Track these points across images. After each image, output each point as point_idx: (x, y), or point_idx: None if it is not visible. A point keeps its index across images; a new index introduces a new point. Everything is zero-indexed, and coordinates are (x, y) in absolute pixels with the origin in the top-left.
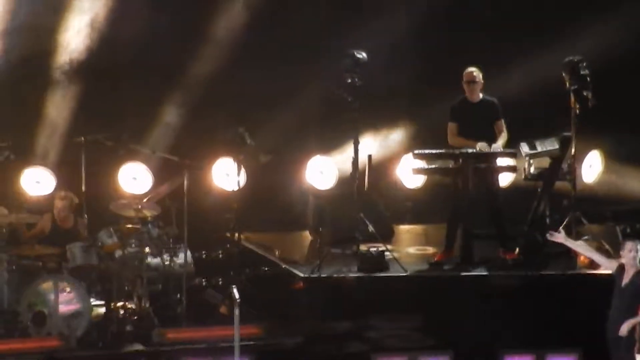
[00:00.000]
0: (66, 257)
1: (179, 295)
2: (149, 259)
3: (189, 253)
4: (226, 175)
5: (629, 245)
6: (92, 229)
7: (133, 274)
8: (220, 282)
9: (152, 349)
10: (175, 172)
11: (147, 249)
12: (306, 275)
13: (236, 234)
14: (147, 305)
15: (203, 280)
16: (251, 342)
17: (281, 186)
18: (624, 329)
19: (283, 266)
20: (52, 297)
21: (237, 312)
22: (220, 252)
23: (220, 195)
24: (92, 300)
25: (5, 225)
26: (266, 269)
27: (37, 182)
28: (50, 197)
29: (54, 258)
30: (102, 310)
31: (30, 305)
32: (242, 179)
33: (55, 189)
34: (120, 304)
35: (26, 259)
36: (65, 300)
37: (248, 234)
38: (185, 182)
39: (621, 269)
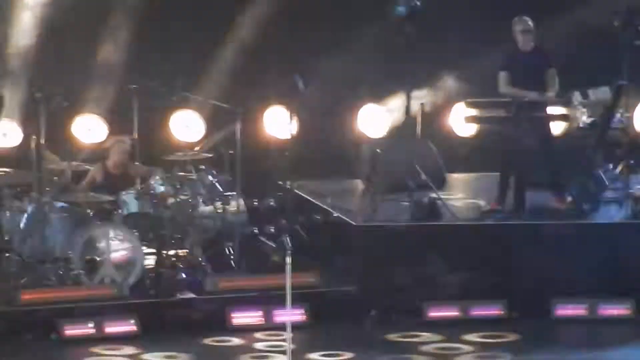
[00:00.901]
0: (119, 204)
1: (231, 244)
2: (202, 207)
3: (241, 201)
4: (279, 122)
5: None
6: (145, 177)
7: (186, 222)
8: (272, 230)
9: (204, 298)
10: (228, 119)
11: (199, 197)
12: (359, 224)
13: (289, 182)
14: (200, 253)
15: (256, 228)
16: (304, 291)
17: (334, 134)
18: None
19: (335, 214)
20: (104, 245)
21: (289, 260)
22: (273, 200)
23: (273, 143)
24: (144, 248)
25: (58, 173)
26: (319, 217)
27: (89, 129)
28: (103, 145)
29: (107, 206)
30: (155, 258)
31: (83, 253)
32: (295, 126)
33: (108, 136)
34: (172, 252)
35: (78, 207)
36: (118, 248)
37: (301, 182)
38: (238, 130)
39: None
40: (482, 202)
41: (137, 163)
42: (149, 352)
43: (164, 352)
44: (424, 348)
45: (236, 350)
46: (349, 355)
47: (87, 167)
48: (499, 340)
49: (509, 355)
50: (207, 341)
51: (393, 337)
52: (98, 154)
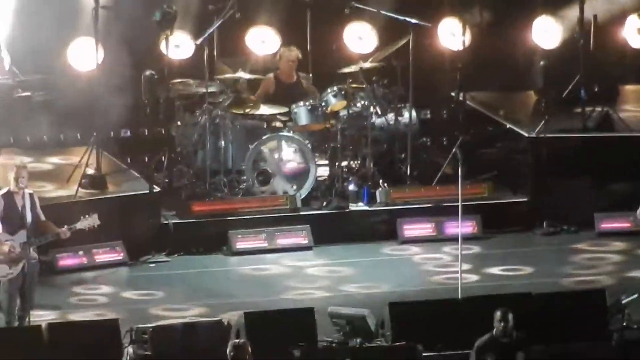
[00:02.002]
0: (291, 116)
1: (403, 155)
2: (374, 119)
3: (413, 112)
4: (452, 34)
5: None
6: (318, 88)
7: (358, 133)
8: (444, 142)
9: (376, 209)
10: (401, 31)
11: (372, 109)
12: (531, 136)
13: (461, 94)
14: (372, 164)
15: (427, 139)
16: (475, 202)
17: (506, 46)
18: None
19: (507, 126)
20: (276, 156)
21: (461, 171)
22: (445, 111)
23: (445, 55)
24: (316, 159)
25: (230, 85)
26: (490, 128)
27: (262, 41)
28: (275, 57)
29: (279, 117)
30: (327, 169)
31: (255, 164)
32: (467, 38)
33: (280, 48)
34: (344, 163)
35: (251, 119)
36: (290, 160)
37: (473, 94)
38: (411, 42)
39: None
40: None
41: (308, 77)
42: (321, 265)
43: (335, 265)
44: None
45: (407, 261)
46: (529, 269)
47: (260, 78)
48: None
49: None
50: (381, 252)
51: (568, 248)
52: (270, 65)
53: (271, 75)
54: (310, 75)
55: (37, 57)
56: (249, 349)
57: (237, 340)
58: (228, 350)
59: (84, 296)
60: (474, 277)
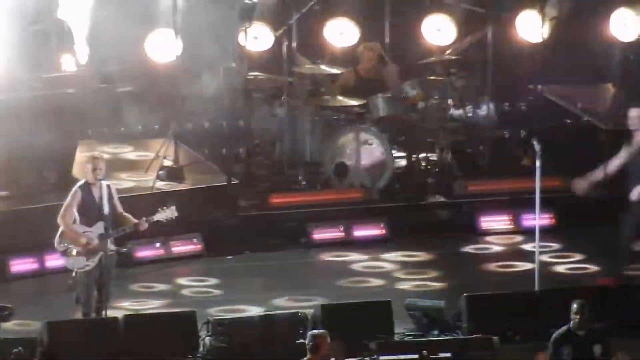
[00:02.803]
0: (369, 108)
1: (481, 147)
2: (452, 111)
3: (492, 104)
4: (530, 26)
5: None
6: (396, 80)
7: (436, 125)
8: (522, 134)
9: (454, 201)
10: (479, 23)
11: (450, 101)
12: (609, 128)
13: (539, 86)
14: (449, 156)
15: (505, 132)
16: (552, 195)
17: (584, 38)
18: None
19: (585, 118)
20: (354, 148)
21: (538, 164)
22: (523, 103)
23: (524, 47)
24: (394, 151)
25: (309, 77)
26: (568, 120)
27: (340, 33)
28: (354, 49)
29: (357, 109)
30: (405, 161)
31: (333, 157)
32: (546, 30)
33: (359, 40)
34: (422, 155)
35: (329, 110)
36: (368, 152)
37: (551, 86)
38: (489, 34)
39: None
40: None
41: (392, 65)
42: (398, 257)
43: (412, 257)
44: None
45: (484, 253)
46: (595, 268)
47: (339, 70)
48: None
49: None
50: (457, 244)
51: None
52: (349, 57)
53: (351, 68)
54: (392, 65)
55: (117, 49)
56: (328, 339)
57: (316, 331)
58: (307, 341)
59: (160, 288)
60: (549, 269)
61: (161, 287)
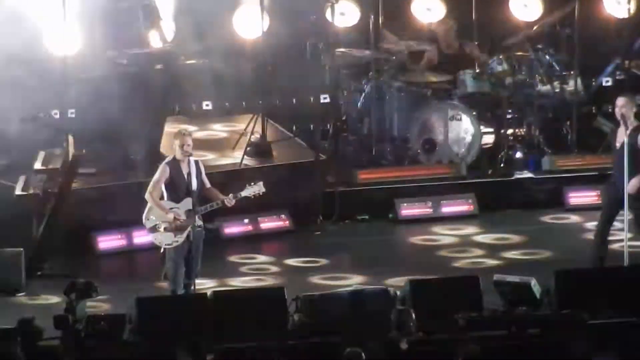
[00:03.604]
0: (457, 84)
1: (569, 123)
2: (539, 86)
3: (579, 80)
4: (617, 2)
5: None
6: (481, 57)
7: (523, 101)
8: (610, 110)
9: (542, 177)
10: None
11: (537, 76)
12: None
13: (627, 62)
14: (537, 132)
15: (594, 107)
16: None
17: None
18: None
19: None
20: (442, 124)
21: (626, 140)
22: (609, 79)
23: (611, 22)
24: (482, 127)
25: (396, 53)
26: None
27: (428, 9)
28: (431, 27)
29: (444, 85)
30: (492, 137)
31: (420, 132)
32: (633, 6)
33: (445, 16)
34: (510, 131)
35: (416, 86)
36: (456, 127)
37: (638, 61)
38: (577, 9)
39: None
40: None
41: (472, 44)
42: (486, 233)
43: (500, 233)
44: None
45: (572, 229)
46: None
47: (425, 47)
48: None
49: None
50: (545, 219)
51: None
52: (431, 34)
53: (435, 44)
54: (476, 43)
55: (203, 26)
56: (413, 315)
57: (400, 307)
58: (392, 317)
59: (249, 264)
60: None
61: (250, 264)
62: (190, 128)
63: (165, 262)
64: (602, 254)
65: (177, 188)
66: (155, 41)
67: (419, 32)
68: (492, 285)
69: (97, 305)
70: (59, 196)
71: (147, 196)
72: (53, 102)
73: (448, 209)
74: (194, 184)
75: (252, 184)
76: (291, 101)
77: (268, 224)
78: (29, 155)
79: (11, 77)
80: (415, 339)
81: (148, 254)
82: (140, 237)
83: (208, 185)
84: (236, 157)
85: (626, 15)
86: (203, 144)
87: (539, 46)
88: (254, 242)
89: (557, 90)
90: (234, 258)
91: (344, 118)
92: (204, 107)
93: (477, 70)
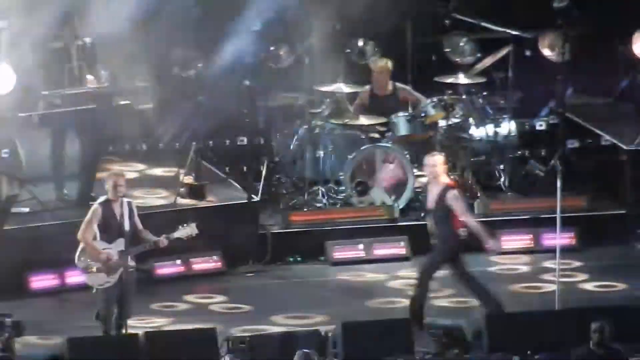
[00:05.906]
0: (390, 127)
1: (502, 166)
2: (473, 130)
3: (513, 123)
4: (551, 47)
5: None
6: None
7: (456, 144)
8: (543, 154)
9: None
10: (501, 42)
11: (470, 120)
12: (631, 148)
13: (560, 106)
14: (470, 175)
15: (526, 151)
16: (573, 214)
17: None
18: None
19: (607, 137)
20: (375, 167)
21: (560, 183)
22: (543, 123)
23: (545, 67)
24: (415, 170)
25: (328, 96)
26: (589, 140)
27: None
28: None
29: (378, 128)
30: (425, 180)
31: (353, 175)
32: (567, 51)
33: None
34: None
35: (350, 129)
36: (389, 171)
37: (572, 105)
38: (511, 53)
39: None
40: None
41: (406, 87)
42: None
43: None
44: None
45: (503, 277)
46: (625, 283)
47: (357, 90)
48: None
49: None
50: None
51: None
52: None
53: (367, 87)
54: (409, 87)
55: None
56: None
57: (304, 350)
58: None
59: (181, 305)
60: (571, 288)
61: (182, 304)
62: (124, 168)
63: (98, 302)
64: None
65: (109, 229)
66: (89, 81)
67: (354, 73)
68: (424, 329)
69: (33, 342)
70: None
71: (79, 236)
72: None
73: (380, 251)
74: (127, 225)
75: (185, 225)
76: (224, 142)
77: (200, 265)
78: None
79: None
80: None
81: (81, 294)
82: (73, 277)
83: (140, 226)
84: (169, 198)
85: (560, 60)
86: (136, 185)
87: (473, 90)
88: (186, 282)
89: (491, 133)
90: (166, 299)
91: (277, 159)
92: (138, 148)
93: (411, 113)
